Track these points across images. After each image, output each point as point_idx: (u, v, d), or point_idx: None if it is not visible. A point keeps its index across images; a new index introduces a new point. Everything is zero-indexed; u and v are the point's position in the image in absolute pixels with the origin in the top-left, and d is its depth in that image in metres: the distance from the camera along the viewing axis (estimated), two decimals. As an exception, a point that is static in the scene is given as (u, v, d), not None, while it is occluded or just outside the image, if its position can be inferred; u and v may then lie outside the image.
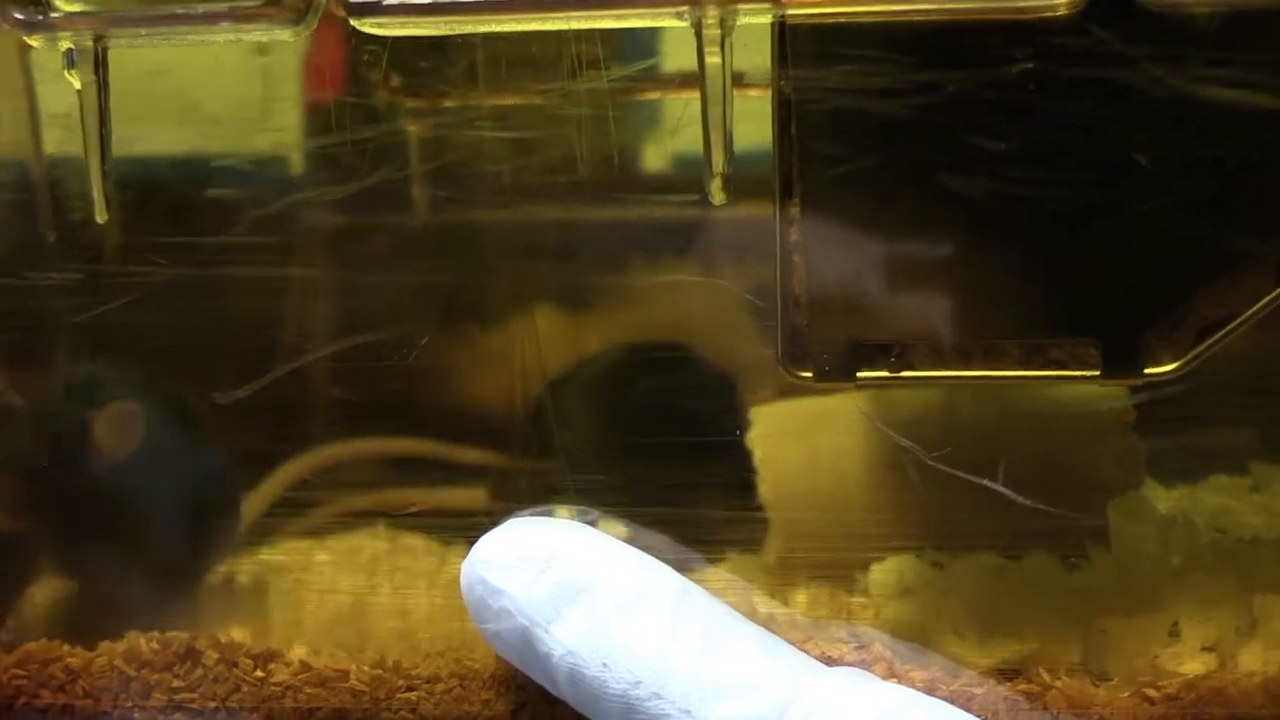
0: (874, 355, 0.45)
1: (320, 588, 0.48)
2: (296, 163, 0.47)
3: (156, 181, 0.47)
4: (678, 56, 0.45)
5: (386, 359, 0.46)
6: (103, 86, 0.45)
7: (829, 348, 0.45)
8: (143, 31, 0.44)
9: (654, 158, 0.46)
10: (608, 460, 0.46)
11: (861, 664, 0.45)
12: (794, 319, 0.45)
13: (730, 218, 0.45)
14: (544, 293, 0.46)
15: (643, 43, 0.45)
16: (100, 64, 0.45)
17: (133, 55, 0.46)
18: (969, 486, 0.45)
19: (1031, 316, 0.44)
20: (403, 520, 0.47)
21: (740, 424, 0.46)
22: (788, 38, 0.44)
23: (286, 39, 0.45)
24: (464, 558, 0.45)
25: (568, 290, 0.46)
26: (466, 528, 0.46)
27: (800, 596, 0.47)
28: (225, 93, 0.46)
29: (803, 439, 0.47)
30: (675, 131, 0.45)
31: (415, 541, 0.48)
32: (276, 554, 0.48)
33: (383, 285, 0.47)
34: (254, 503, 0.48)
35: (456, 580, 0.46)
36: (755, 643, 0.43)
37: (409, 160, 0.46)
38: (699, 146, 0.44)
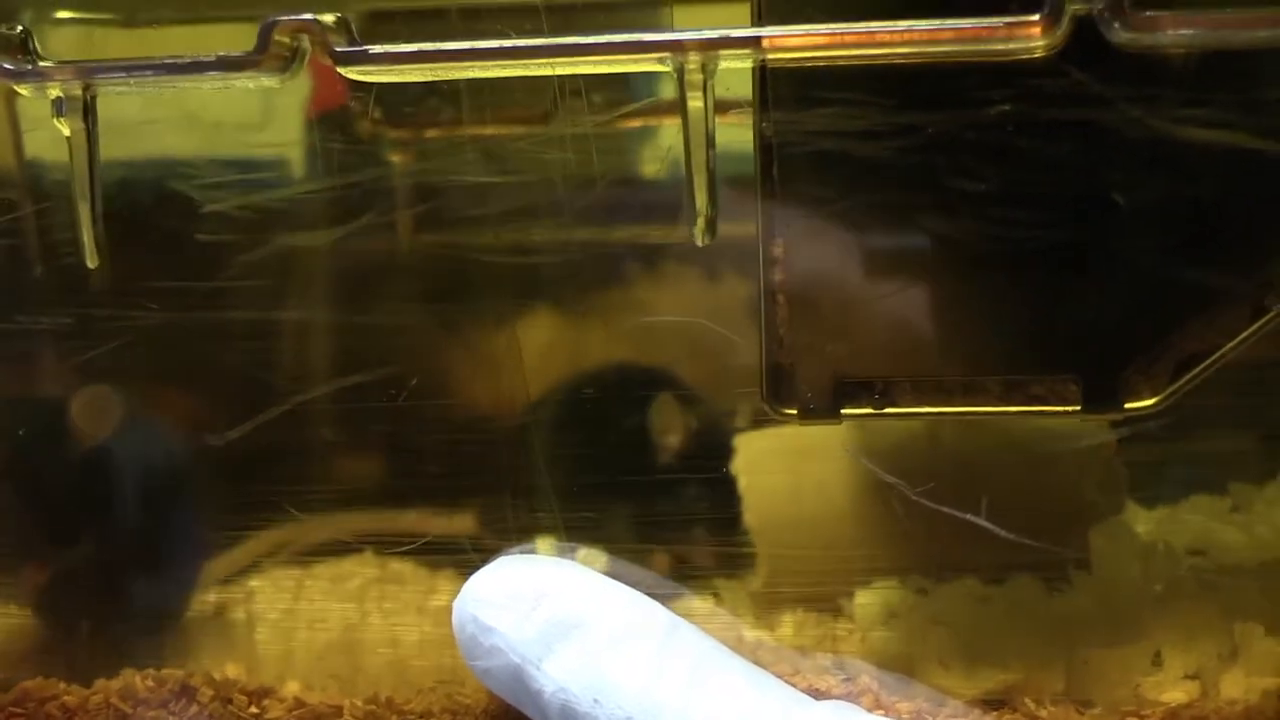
0: (858, 392, 0.46)
1: (310, 618, 0.49)
2: (284, 206, 0.47)
3: (146, 225, 0.47)
4: (663, 89, 0.46)
5: (375, 400, 0.47)
6: (91, 133, 0.46)
7: (813, 386, 0.45)
8: (131, 80, 0.45)
9: (639, 191, 0.47)
10: (592, 495, 0.47)
11: (848, 696, 0.46)
12: (777, 358, 0.46)
13: (713, 254, 0.46)
14: (529, 330, 0.47)
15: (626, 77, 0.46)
16: (89, 111, 0.45)
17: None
18: (953, 518, 0.46)
19: (1012, 353, 0.45)
20: (390, 549, 0.48)
21: (724, 460, 0.47)
22: (769, 81, 0.44)
23: (274, 86, 0.45)
24: (452, 584, 0.46)
25: (552, 327, 0.47)
26: (454, 554, 0.47)
27: (786, 624, 0.48)
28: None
29: (786, 468, 0.48)
30: (661, 163, 0.46)
31: (403, 568, 0.48)
32: (266, 586, 0.49)
33: (370, 327, 0.47)
34: (246, 543, 0.48)
35: (446, 608, 0.46)
36: (743, 676, 0.44)
37: (395, 201, 0.47)
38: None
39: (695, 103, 0.44)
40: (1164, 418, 0.45)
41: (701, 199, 0.44)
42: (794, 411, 0.46)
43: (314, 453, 0.48)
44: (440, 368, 0.47)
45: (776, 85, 0.44)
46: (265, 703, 0.48)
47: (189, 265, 0.47)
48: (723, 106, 0.44)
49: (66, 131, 0.46)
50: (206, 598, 0.49)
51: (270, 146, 0.47)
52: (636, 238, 0.46)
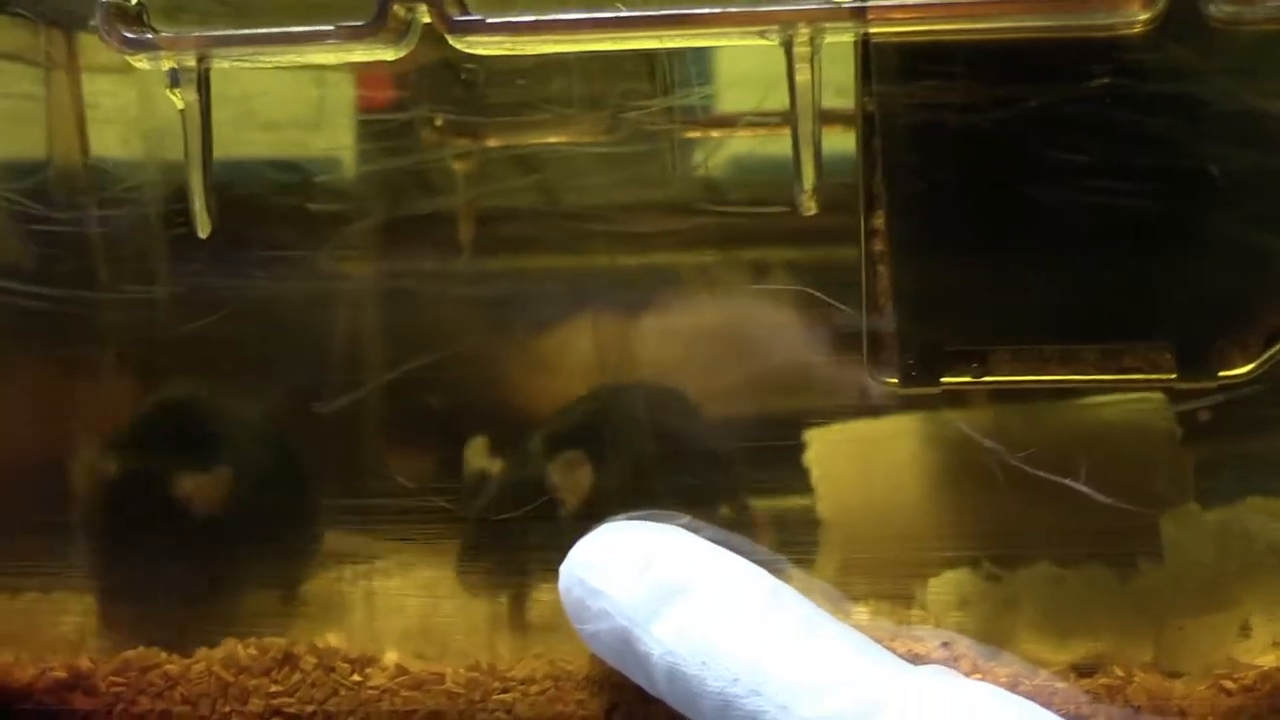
0: (956, 361, 0.46)
1: (412, 587, 0.49)
2: (379, 179, 0.48)
3: (255, 196, 0.48)
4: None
5: (471, 368, 0.48)
6: (205, 104, 0.46)
7: (913, 355, 0.46)
8: (247, 51, 0.46)
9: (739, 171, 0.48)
10: (679, 467, 0.48)
11: (946, 661, 0.47)
12: (877, 327, 0.46)
13: (815, 228, 0.47)
14: (615, 300, 0.48)
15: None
16: (203, 83, 0.46)
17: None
18: (1031, 493, 0.46)
19: (1109, 322, 0.46)
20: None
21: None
22: (871, 54, 0.45)
23: (388, 59, 0.46)
24: (549, 552, 0.47)
25: (636, 298, 0.48)
26: (552, 521, 0.48)
27: (860, 612, 0.48)
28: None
29: (858, 458, 0.48)
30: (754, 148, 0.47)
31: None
32: (368, 554, 0.49)
33: (468, 297, 0.48)
34: (349, 511, 0.49)
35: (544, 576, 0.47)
36: (848, 641, 0.44)
37: (497, 178, 0.48)
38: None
39: (803, 76, 0.45)
40: (1258, 384, 0.45)
41: (809, 170, 0.45)
42: (894, 380, 0.46)
43: (417, 422, 0.49)
44: (544, 335, 0.48)
45: (878, 58, 0.45)
46: (368, 670, 0.48)
47: (296, 235, 0.48)
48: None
49: (180, 104, 0.47)
50: (310, 568, 0.50)
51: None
52: (738, 214, 0.47)
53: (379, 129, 0.49)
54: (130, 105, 0.49)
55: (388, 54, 0.45)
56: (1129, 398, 0.47)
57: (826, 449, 0.48)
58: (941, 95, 0.45)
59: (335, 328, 0.49)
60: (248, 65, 0.46)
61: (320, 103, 0.49)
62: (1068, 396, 0.47)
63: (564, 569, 0.46)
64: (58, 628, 0.50)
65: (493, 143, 0.48)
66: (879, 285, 0.46)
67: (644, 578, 0.45)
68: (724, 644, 0.44)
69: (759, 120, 0.48)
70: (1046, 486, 0.47)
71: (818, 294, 0.47)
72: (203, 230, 0.47)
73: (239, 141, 0.48)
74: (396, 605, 0.49)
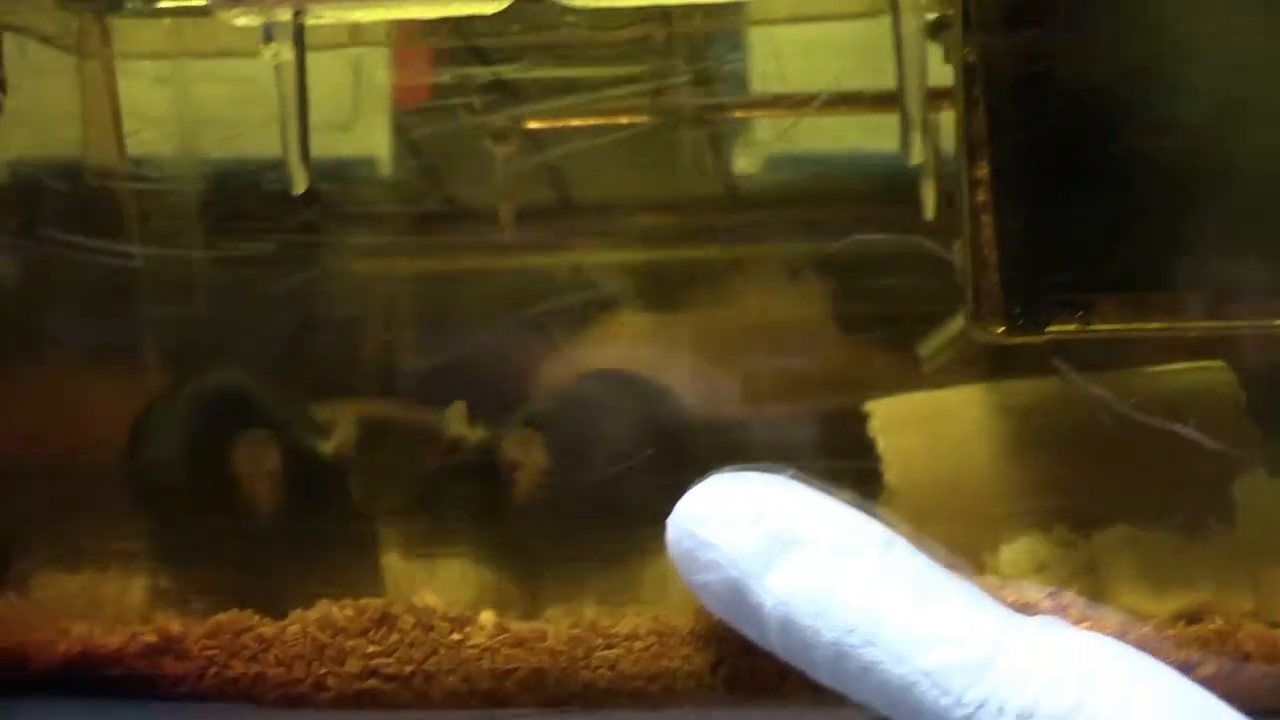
0: (1062, 309, 0.46)
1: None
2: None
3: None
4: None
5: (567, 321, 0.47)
6: (300, 59, 0.46)
7: (1018, 304, 0.46)
8: (343, 6, 0.45)
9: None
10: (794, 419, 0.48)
11: (1054, 612, 0.46)
12: (982, 277, 0.46)
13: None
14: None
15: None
16: (299, 37, 0.46)
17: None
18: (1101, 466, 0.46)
19: (1215, 270, 0.45)
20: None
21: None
22: (971, 4, 0.45)
23: (487, 13, 0.45)
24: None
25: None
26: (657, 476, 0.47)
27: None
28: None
29: (923, 427, 0.48)
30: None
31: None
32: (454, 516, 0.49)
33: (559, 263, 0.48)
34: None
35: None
36: (961, 592, 0.44)
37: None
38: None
39: (911, 26, 0.44)
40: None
41: (914, 107, 0.44)
42: (1000, 330, 0.46)
43: (505, 381, 0.48)
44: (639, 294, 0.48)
45: (979, 8, 0.45)
46: (468, 629, 0.48)
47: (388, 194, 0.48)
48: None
49: (274, 59, 0.46)
50: (396, 527, 0.49)
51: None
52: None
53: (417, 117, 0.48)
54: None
55: (487, 7, 0.45)
56: (1192, 366, 0.47)
57: (890, 419, 0.48)
58: (1043, 44, 0.45)
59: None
60: (344, 21, 0.45)
61: (355, 91, 0.48)
62: (1137, 364, 0.47)
63: (672, 521, 0.45)
64: (136, 596, 0.50)
65: (531, 125, 0.48)
66: (982, 235, 0.46)
67: (756, 529, 0.44)
68: (839, 594, 0.43)
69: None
70: (1122, 450, 0.47)
71: (926, 241, 0.47)
72: (298, 187, 0.46)
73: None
74: (492, 562, 0.49)
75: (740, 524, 0.44)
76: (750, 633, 0.45)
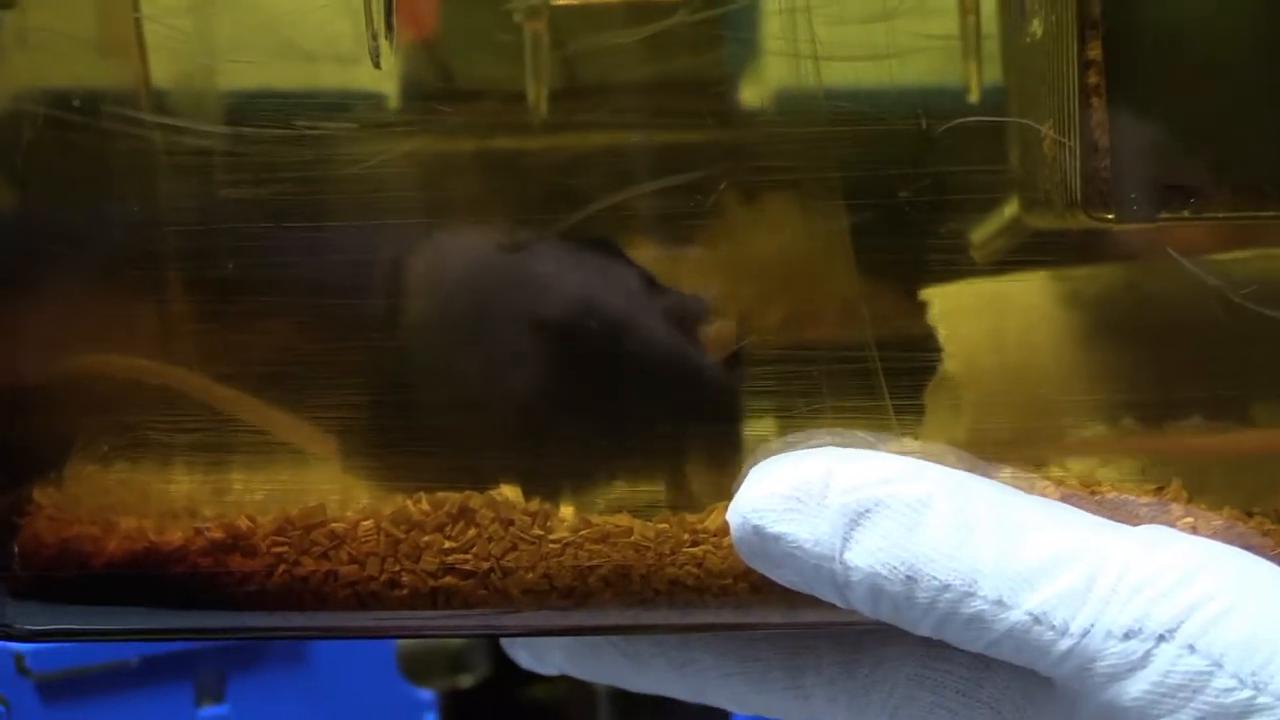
0: (1173, 198, 0.45)
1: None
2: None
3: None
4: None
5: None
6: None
7: (1129, 190, 0.45)
8: None
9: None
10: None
11: (1154, 516, 0.45)
12: (1092, 162, 0.45)
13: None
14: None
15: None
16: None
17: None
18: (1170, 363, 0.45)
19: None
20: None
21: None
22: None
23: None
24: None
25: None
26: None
27: (1002, 475, 0.47)
28: None
29: (986, 315, 0.47)
30: None
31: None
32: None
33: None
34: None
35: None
36: (1048, 515, 0.43)
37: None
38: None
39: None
40: None
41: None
42: (1110, 216, 0.45)
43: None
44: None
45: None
46: (549, 523, 0.46)
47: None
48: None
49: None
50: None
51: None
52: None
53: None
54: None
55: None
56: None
57: (951, 307, 0.46)
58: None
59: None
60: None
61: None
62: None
63: (734, 520, 0.43)
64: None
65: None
66: (1094, 118, 0.44)
67: (823, 509, 0.43)
68: (926, 553, 0.42)
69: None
70: (1204, 340, 0.46)
71: (1032, 124, 0.45)
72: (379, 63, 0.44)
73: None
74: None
75: (804, 509, 0.43)
76: (839, 604, 0.43)
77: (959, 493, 0.43)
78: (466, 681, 0.96)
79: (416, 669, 0.94)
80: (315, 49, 0.46)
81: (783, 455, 0.45)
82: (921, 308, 0.46)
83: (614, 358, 0.46)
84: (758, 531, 0.43)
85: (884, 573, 0.42)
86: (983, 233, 0.46)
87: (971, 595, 0.42)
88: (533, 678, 0.76)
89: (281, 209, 0.46)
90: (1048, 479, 0.46)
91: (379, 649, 0.93)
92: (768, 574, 0.44)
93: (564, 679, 0.53)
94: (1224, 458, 0.47)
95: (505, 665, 0.62)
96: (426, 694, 0.93)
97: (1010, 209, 0.46)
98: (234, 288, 0.47)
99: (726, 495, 0.45)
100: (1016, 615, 0.41)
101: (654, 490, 0.47)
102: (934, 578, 0.42)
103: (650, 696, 0.50)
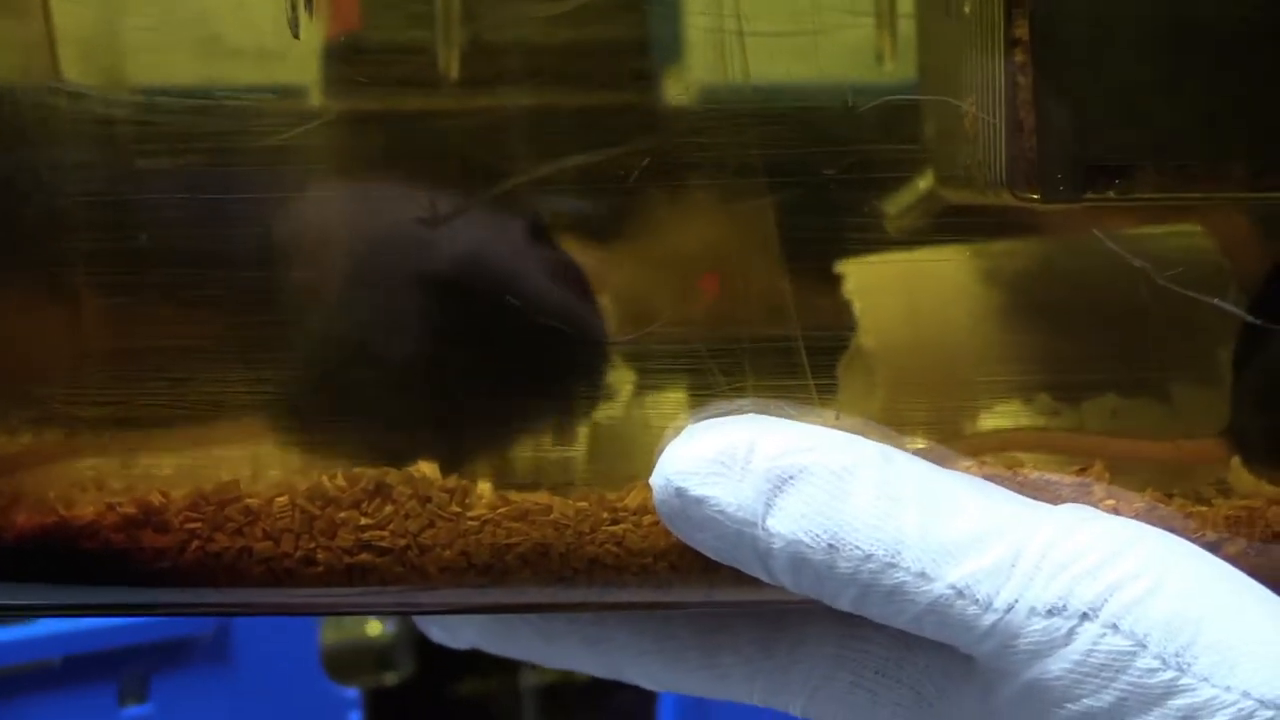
0: (1099, 177, 0.45)
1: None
2: None
3: None
4: None
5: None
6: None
7: (1054, 169, 0.44)
8: None
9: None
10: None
11: (1077, 495, 0.45)
12: (1018, 141, 0.45)
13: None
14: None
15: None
16: None
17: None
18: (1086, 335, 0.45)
19: (1260, 138, 0.44)
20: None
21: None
22: None
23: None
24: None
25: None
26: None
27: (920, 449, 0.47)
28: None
29: (901, 291, 0.47)
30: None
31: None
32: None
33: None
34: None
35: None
36: (972, 493, 0.43)
37: None
38: None
39: None
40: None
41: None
42: (1035, 196, 0.45)
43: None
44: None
45: None
46: (468, 500, 0.46)
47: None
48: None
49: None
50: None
51: None
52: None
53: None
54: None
55: None
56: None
57: (867, 281, 0.46)
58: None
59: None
60: None
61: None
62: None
63: (657, 481, 0.43)
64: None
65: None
66: (1020, 97, 0.44)
67: (746, 473, 0.42)
68: (849, 521, 0.42)
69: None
70: (1118, 317, 0.45)
71: (955, 102, 0.45)
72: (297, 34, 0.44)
73: None
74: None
75: (728, 473, 0.42)
76: (760, 576, 0.43)
77: (885, 464, 0.43)
78: (392, 679, 0.95)
79: (341, 667, 0.94)
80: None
81: (709, 421, 0.44)
82: (838, 283, 0.46)
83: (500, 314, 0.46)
84: (680, 494, 0.42)
85: (806, 540, 0.41)
86: (896, 205, 0.46)
87: (894, 566, 0.41)
88: (459, 675, 0.75)
89: (191, 179, 0.45)
90: (970, 458, 0.46)
91: (303, 647, 0.93)
92: (688, 539, 0.43)
93: (491, 676, 0.53)
94: (1139, 461, 0.47)
95: (431, 663, 0.62)
96: (351, 692, 0.92)
97: (925, 182, 0.46)
98: (144, 260, 0.46)
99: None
100: (939, 588, 0.41)
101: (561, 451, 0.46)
102: (857, 547, 0.41)
103: (576, 691, 0.50)
